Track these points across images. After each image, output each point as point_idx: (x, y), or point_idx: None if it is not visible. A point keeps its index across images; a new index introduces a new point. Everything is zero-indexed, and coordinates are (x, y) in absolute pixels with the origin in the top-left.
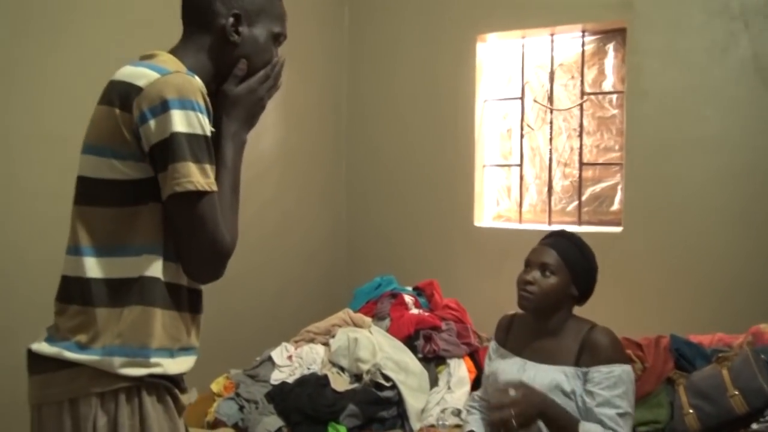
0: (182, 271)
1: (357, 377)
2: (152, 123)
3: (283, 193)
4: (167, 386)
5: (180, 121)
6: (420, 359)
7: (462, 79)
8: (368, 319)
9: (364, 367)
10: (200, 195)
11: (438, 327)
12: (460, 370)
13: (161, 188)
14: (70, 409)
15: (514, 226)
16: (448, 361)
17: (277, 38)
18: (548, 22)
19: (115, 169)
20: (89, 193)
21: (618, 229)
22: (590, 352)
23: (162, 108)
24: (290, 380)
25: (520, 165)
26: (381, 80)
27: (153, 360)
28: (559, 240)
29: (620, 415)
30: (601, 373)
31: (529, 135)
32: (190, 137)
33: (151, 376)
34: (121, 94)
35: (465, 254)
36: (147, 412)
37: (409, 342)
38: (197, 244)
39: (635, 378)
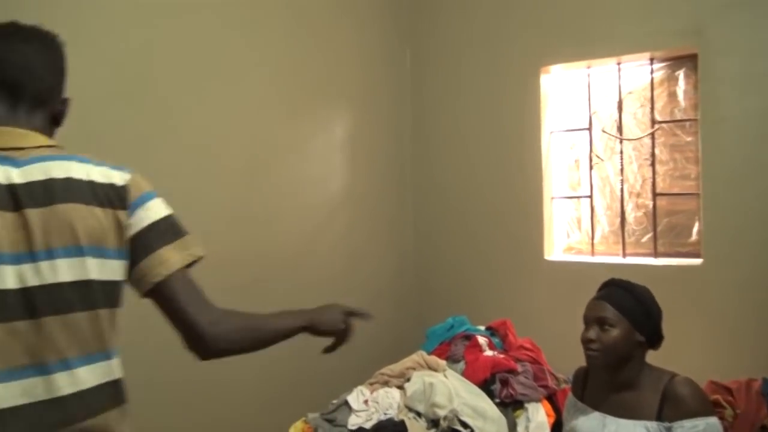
0: None
1: (434, 423)
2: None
3: (351, 233)
4: None
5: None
6: (497, 404)
7: (526, 111)
8: (443, 362)
9: (441, 413)
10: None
11: (514, 370)
12: (538, 414)
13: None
14: None
15: (587, 259)
16: (526, 405)
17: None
18: (615, 51)
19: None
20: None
21: (698, 261)
22: (672, 405)
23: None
24: (367, 425)
25: (590, 196)
26: (444, 117)
27: None
28: (610, 290)
29: None
30: (684, 428)
31: (599, 165)
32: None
33: None
34: (98, 193)
35: (536, 289)
36: None
37: (485, 386)
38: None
39: (726, 426)
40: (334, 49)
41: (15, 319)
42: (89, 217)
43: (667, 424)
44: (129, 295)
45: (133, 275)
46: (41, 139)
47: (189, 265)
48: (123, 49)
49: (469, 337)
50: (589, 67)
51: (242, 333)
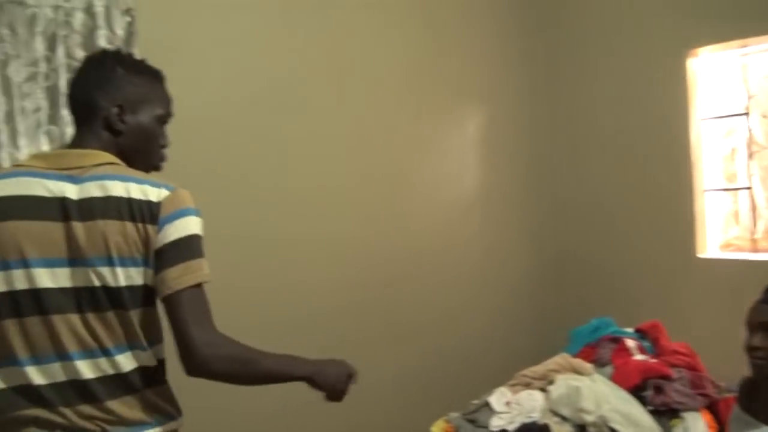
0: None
1: (580, 428)
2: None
3: (487, 231)
4: None
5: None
6: (650, 412)
7: (673, 97)
8: (589, 366)
9: (589, 418)
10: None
11: (668, 376)
12: (697, 425)
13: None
14: None
15: (747, 256)
16: (683, 414)
17: (166, 118)
18: None
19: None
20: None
21: None
22: None
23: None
24: (510, 428)
25: (750, 187)
26: (582, 108)
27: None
28: None
29: None
30: None
31: (759, 154)
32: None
33: None
34: (133, 209)
35: (689, 290)
36: None
37: (636, 392)
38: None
39: None
40: (466, 46)
41: (43, 313)
42: (120, 232)
43: None
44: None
45: (154, 283)
46: (101, 157)
47: (202, 287)
48: (265, 58)
49: (616, 340)
50: (743, 47)
51: (235, 364)
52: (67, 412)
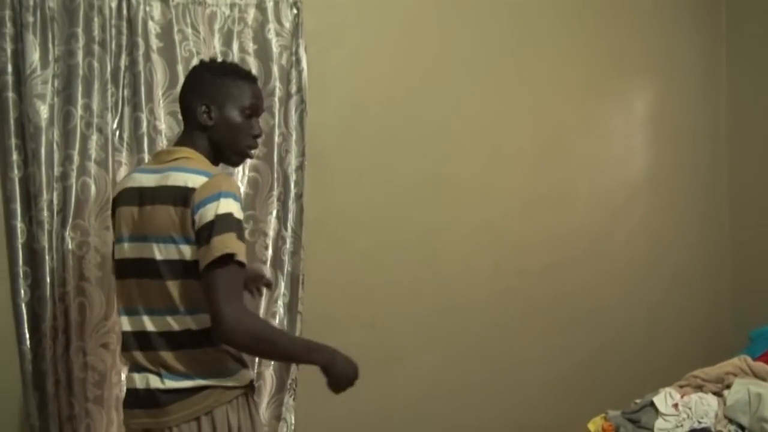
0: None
1: None
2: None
3: (655, 218)
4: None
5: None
6: None
7: None
8: None
9: None
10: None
11: None
12: None
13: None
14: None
15: None
16: None
17: (253, 111)
18: None
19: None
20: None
21: None
22: None
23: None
24: None
25: None
26: None
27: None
28: None
29: None
30: None
31: None
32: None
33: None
34: (177, 196)
35: None
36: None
37: None
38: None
39: None
40: (632, 15)
41: (127, 277)
42: (167, 215)
43: None
44: None
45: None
46: (180, 152)
47: (231, 262)
48: (423, 46)
49: None
50: None
51: (254, 339)
52: (138, 354)
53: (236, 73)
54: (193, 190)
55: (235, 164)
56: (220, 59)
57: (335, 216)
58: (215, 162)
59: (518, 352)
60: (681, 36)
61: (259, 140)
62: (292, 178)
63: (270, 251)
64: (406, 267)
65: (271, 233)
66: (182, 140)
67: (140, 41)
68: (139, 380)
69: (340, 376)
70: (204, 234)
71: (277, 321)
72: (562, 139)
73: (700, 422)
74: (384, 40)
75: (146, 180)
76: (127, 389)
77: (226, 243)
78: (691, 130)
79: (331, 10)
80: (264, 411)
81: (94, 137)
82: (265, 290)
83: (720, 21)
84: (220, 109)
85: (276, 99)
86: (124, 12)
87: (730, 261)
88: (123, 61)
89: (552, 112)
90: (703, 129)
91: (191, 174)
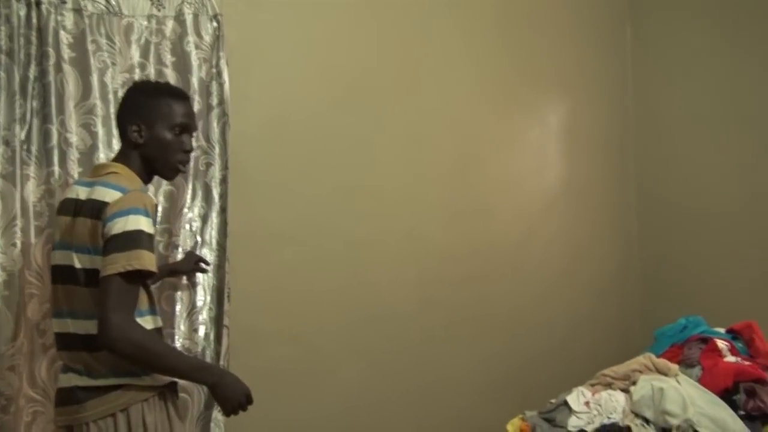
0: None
1: (664, 431)
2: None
3: (570, 227)
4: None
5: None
6: (741, 417)
7: None
8: (674, 367)
9: (673, 421)
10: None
11: (763, 379)
12: None
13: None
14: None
15: None
16: None
17: (183, 128)
18: None
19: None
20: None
21: None
22: None
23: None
24: (589, 428)
25: None
26: (673, 99)
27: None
28: None
29: None
30: None
31: None
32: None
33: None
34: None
35: None
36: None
37: (726, 396)
38: None
39: None
40: (547, 35)
41: (56, 282)
42: (85, 226)
43: None
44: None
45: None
46: (110, 167)
47: (130, 277)
48: (345, 59)
49: (705, 340)
50: None
51: (141, 349)
52: (64, 355)
53: (167, 92)
54: (107, 204)
55: (169, 178)
56: (153, 80)
57: (260, 228)
58: (149, 177)
59: (442, 360)
60: (591, 54)
61: (191, 155)
62: (216, 191)
63: None
64: (332, 278)
65: (188, 247)
66: (117, 156)
67: (51, 51)
68: (65, 380)
69: (228, 398)
70: (109, 246)
71: (202, 335)
72: (481, 152)
73: (609, 418)
74: (308, 53)
75: (81, 192)
76: (57, 389)
77: (129, 258)
78: (601, 144)
79: (254, 23)
80: (193, 428)
81: (1, 150)
82: (202, 276)
83: (625, 41)
84: (150, 128)
85: (195, 112)
86: (34, 21)
87: (638, 267)
88: (32, 72)
89: (471, 125)
90: (612, 142)
91: (111, 189)
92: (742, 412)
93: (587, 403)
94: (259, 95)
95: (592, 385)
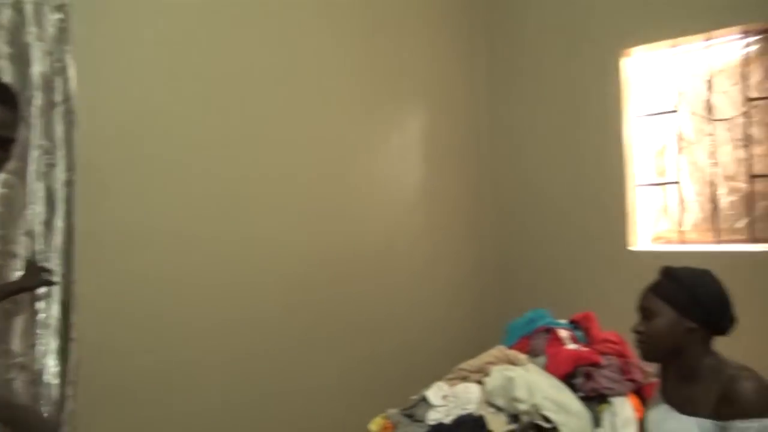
0: None
1: (514, 418)
2: None
3: (429, 231)
4: None
5: None
6: (580, 398)
7: (608, 96)
8: (523, 357)
9: (522, 407)
10: None
11: (598, 363)
12: (625, 409)
13: None
14: None
15: (675, 248)
16: (611, 399)
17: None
18: (704, 27)
19: None
20: None
21: None
22: (728, 402)
23: None
24: (447, 421)
25: (678, 182)
26: (522, 108)
27: None
28: (656, 281)
29: None
30: (736, 429)
31: (687, 149)
32: None
33: None
34: None
35: (621, 281)
36: None
37: (568, 380)
38: None
39: None
40: (407, 46)
41: None
42: None
43: (721, 424)
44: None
45: None
46: None
47: None
48: (204, 58)
49: (549, 331)
50: (674, 47)
51: None
52: None
53: None
54: None
55: None
56: None
57: (112, 233)
58: None
59: (306, 364)
60: (449, 66)
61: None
62: (60, 194)
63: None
64: (191, 285)
65: (30, 255)
66: None
67: None
68: None
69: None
70: None
71: (43, 350)
72: (345, 158)
73: (465, 409)
74: (167, 49)
75: None
76: None
77: None
78: (459, 149)
79: (107, 16)
80: None
81: None
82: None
83: (480, 52)
84: None
85: (35, 108)
86: None
87: (494, 267)
88: None
89: (335, 131)
90: (468, 150)
91: None
92: (581, 394)
93: (445, 397)
94: (113, 92)
95: (450, 380)
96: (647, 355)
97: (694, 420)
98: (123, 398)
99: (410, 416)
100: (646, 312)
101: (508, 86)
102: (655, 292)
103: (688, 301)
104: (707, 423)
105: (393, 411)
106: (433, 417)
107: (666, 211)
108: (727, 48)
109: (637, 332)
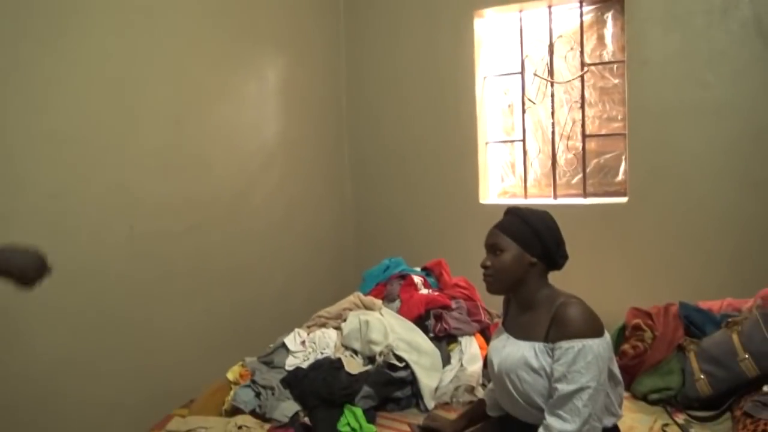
0: None
1: (370, 359)
2: None
3: (288, 181)
4: None
5: None
6: (431, 338)
7: (461, 56)
8: (378, 302)
9: (377, 348)
10: None
11: (448, 306)
12: (471, 347)
13: None
14: None
15: (519, 201)
16: (460, 339)
17: None
18: None
19: None
20: None
21: (623, 200)
22: (557, 326)
23: None
24: (305, 365)
25: (523, 140)
26: (379, 62)
27: None
28: (503, 219)
29: (577, 390)
30: (561, 349)
31: (531, 109)
32: None
33: None
34: None
35: (472, 232)
36: None
37: (420, 322)
38: None
39: (645, 347)
40: None
41: None
42: None
43: (551, 345)
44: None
45: None
46: None
47: None
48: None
49: (404, 277)
50: (521, 11)
51: None
52: None
53: None
54: None
55: None
56: None
57: None
58: None
59: (160, 316)
60: (306, 15)
61: None
62: None
63: None
64: (25, 235)
65: None
66: None
67: None
68: None
69: (20, 271)
70: None
71: None
72: (200, 104)
73: (323, 353)
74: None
75: None
76: None
77: None
78: (317, 100)
79: None
80: None
81: None
82: None
83: (340, 6)
84: None
85: None
86: None
87: (351, 216)
88: None
89: (188, 77)
90: (327, 99)
91: None
92: (432, 335)
93: (303, 343)
94: None
95: (309, 327)
96: (494, 288)
97: (529, 343)
98: None
99: (268, 363)
100: (493, 248)
101: (365, 39)
102: (502, 230)
103: (531, 237)
104: (539, 345)
105: (251, 359)
106: (291, 362)
107: (513, 167)
108: (566, 15)
109: (485, 267)
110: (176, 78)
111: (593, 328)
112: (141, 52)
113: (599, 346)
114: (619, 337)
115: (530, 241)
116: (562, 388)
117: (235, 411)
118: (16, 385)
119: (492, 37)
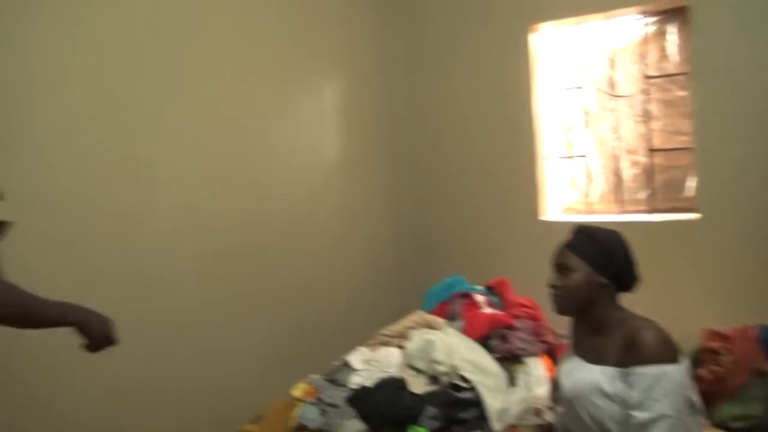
0: None
1: (434, 379)
2: None
3: (348, 199)
4: None
5: None
6: (496, 359)
7: (517, 71)
8: (441, 321)
9: (441, 368)
10: None
11: (512, 326)
12: (537, 368)
13: None
14: None
15: (583, 218)
16: (525, 359)
17: None
18: (604, 7)
19: None
20: None
21: (694, 216)
22: (631, 350)
23: None
24: (368, 383)
25: (585, 155)
26: (437, 79)
27: None
28: (572, 237)
29: (655, 419)
30: (637, 375)
31: (593, 124)
32: None
33: None
34: None
35: (533, 249)
36: None
37: (484, 342)
38: None
39: (723, 371)
40: (326, 13)
41: None
42: None
43: (625, 370)
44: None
45: None
46: None
47: None
48: (111, 17)
49: (466, 296)
50: (578, 24)
51: (12, 308)
52: None
53: None
54: None
55: None
56: None
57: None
58: None
59: (227, 334)
60: (367, 35)
61: None
62: None
63: None
64: (97, 255)
65: None
66: None
67: None
68: None
69: (99, 330)
70: None
71: None
72: (261, 125)
73: (386, 372)
74: (76, 9)
75: None
76: None
77: None
78: (376, 118)
79: None
80: None
81: None
82: None
83: (397, 23)
84: None
85: None
86: None
87: (411, 234)
88: None
89: (250, 98)
90: (386, 117)
91: None
92: (497, 355)
93: (366, 361)
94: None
95: (371, 345)
96: (562, 309)
97: (600, 368)
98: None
99: (332, 381)
100: (562, 267)
101: (424, 57)
102: (571, 249)
103: (602, 257)
104: (612, 370)
105: (315, 376)
106: (355, 381)
107: (574, 183)
108: (626, 28)
109: (553, 287)
110: (239, 99)
111: (670, 354)
112: (209, 76)
113: (678, 373)
114: (693, 361)
115: (601, 262)
116: (638, 415)
117: (300, 428)
118: (86, 411)
119: (550, 51)
